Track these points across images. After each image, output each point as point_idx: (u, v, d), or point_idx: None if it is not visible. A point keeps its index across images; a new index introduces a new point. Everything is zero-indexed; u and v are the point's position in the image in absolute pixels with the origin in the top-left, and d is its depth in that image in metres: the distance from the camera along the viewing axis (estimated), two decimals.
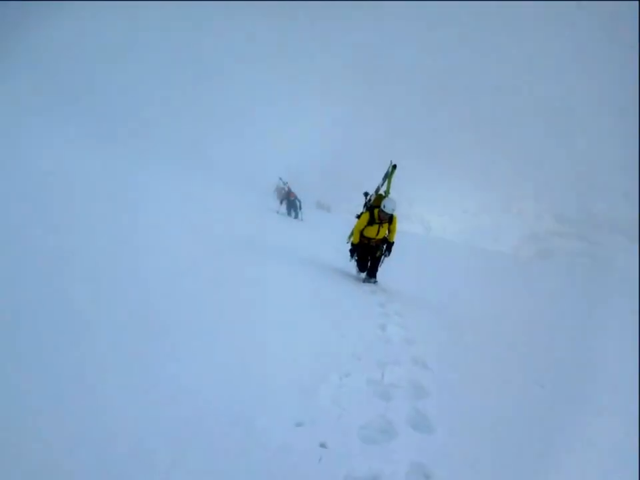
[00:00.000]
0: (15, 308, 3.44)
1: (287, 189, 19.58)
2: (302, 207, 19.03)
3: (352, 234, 8.87)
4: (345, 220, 15.74)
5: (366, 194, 8.97)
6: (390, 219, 8.21)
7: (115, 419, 2.64)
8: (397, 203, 7.98)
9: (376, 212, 8.15)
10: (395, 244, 8.45)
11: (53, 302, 3.70)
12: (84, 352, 3.17)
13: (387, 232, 8.39)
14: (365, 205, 8.89)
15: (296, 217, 18.97)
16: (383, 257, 8.60)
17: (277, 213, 18.46)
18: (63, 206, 7.05)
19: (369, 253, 8.59)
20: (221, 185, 19.93)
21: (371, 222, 8.22)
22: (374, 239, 8.39)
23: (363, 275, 8.83)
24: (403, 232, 10.67)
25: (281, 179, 20.61)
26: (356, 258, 8.79)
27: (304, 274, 7.86)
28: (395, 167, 8.22)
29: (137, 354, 3.36)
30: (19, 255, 4.46)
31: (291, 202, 19.15)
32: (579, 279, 14.98)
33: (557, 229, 21.89)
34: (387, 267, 8.81)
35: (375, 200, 8.55)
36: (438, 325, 6.31)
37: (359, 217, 8.61)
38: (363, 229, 8.35)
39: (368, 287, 8.16)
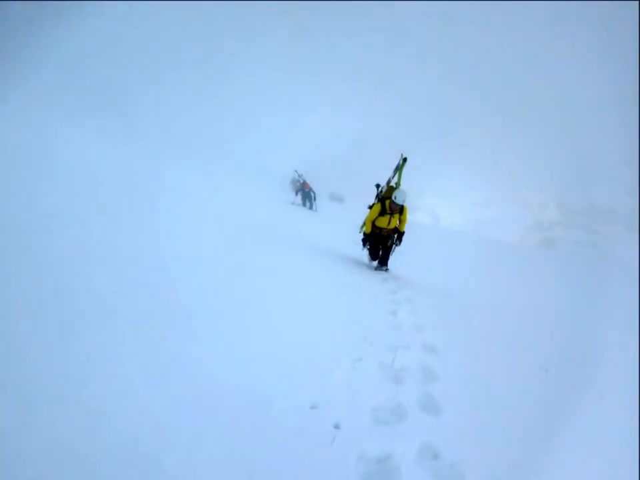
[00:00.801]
0: (40, 295, 3.45)
1: (302, 181, 19.56)
2: (316, 198, 19.01)
3: (364, 224, 8.82)
4: (358, 211, 15.66)
5: (377, 185, 8.90)
6: (400, 210, 8.14)
7: (138, 401, 2.63)
8: (407, 194, 7.91)
9: (387, 203, 8.09)
10: (405, 234, 8.40)
11: (77, 288, 3.71)
12: (107, 336, 3.17)
13: (397, 222, 8.33)
14: (377, 196, 8.82)
15: (310, 207, 18.94)
16: (394, 246, 8.54)
17: (293, 204, 18.45)
18: (88, 198, 7.08)
19: (380, 242, 8.54)
20: (239, 178, 19.95)
21: (382, 212, 8.16)
22: (385, 228, 8.34)
23: (375, 263, 8.78)
24: (413, 222, 10.59)
25: (296, 171, 20.54)
26: (368, 247, 8.74)
27: (318, 262, 7.83)
28: (405, 159, 8.14)
29: (158, 338, 3.35)
30: (46, 244, 4.48)
31: (305, 193, 19.13)
32: (581, 267, 14.79)
33: (560, 219, 21.60)
34: (397, 256, 8.75)
35: (386, 191, 8.48)
36: (447, 311, 6.25)
37: (370, 207, 8.55)
38: (375, 219, 8.30)
39: (379, 274, 8.11)
